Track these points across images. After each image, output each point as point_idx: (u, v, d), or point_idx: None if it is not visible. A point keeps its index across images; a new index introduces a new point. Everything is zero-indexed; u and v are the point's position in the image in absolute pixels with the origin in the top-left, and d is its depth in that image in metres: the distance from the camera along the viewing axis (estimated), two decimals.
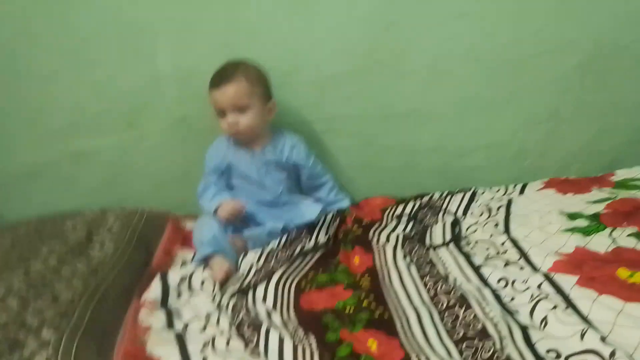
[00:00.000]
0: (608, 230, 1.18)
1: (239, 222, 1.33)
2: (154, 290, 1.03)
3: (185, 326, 0.95)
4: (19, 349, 0.76)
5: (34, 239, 1.12)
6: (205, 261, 1.16)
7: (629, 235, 1.14)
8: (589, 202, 1.34)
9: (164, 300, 1.02)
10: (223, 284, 1.10)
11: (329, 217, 1.34)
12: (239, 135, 1.35)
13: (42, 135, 1.50)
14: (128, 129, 1.51)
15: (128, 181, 1.56)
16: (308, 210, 1.35)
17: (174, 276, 1.07)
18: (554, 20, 1.46)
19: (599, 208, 1.29)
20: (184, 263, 1.20)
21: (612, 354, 0.78)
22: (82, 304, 0.90)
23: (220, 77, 1.29)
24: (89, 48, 1.43)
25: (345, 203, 1.46)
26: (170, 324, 0.96)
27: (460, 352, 0.85)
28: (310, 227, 1.32)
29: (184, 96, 1.48)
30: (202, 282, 1.07)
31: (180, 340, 0.90)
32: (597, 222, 1.23)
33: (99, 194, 1.55)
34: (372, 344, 0.87)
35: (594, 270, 1.02)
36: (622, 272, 1.00)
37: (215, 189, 1.37)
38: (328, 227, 1.31)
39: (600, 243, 1.13)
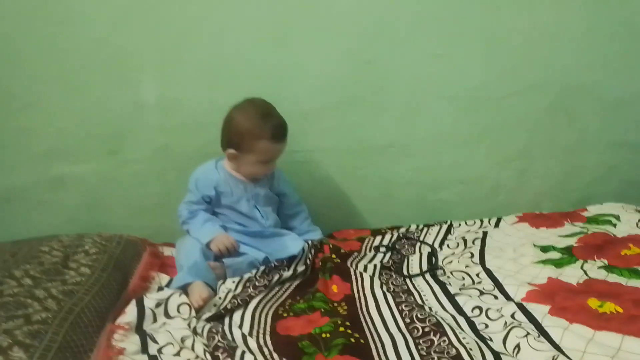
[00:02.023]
0: (580, 262, 1.21)
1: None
2: (129, 314, 1.01)
3: (160, 350, 0.94)
4: None
5: (8, 261, 1.10)
6: (184, 287, 1.15)
7: (599, 267, 1.18)
8: (561, 236, 1.39)
9: (139, 325, 1.01)
10: (200, 310, 1.10)
11: (306, 247, 1.35)
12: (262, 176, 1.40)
13: (22, 159, 1.50)
14: (109, 155, 1.52)
15: (107, 207, 1.56)
16: (292, 244, 1.36)
17: (149, 301, 1.06)
18: (523, 62, 1.55)
19: (571, 241, 1.33)
20: (160, 288, 1.19)
21: None
22: (56, 325, 0.88)
23: (284, 133, 1.33)
24: (74, 75, 1.45)
25: (317, 234, 1.48)
26: (144, 348, 0.95)
27: None
28: (289, 258, 1.32)
29: (166, 125, 1.51)
30: (179, 307, 1.06)
31: None
32: (569, 255, 1.26)
33: (77, 219, 1.54)
34: None
35: (565, 301, 1.05)
36: (593, 302, 1.03)
37: (205, 215, 1.37)
38: (306, 257, 1.31)
39: (572, 275, 1.16)
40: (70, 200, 1.54)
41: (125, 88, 1.47)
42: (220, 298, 1.13)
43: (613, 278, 1.13)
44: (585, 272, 1.17)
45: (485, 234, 1.46)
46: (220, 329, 0.96)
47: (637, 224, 1.39)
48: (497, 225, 1.54)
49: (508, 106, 1.59)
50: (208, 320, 1.03)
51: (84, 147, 1.51)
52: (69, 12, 1.40)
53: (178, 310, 1.05)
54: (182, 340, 0.95)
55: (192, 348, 0.93)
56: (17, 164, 1.50)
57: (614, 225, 1.41)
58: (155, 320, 1.04)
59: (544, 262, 1.24)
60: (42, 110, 1.47)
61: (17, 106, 1.46)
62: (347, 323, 1.01)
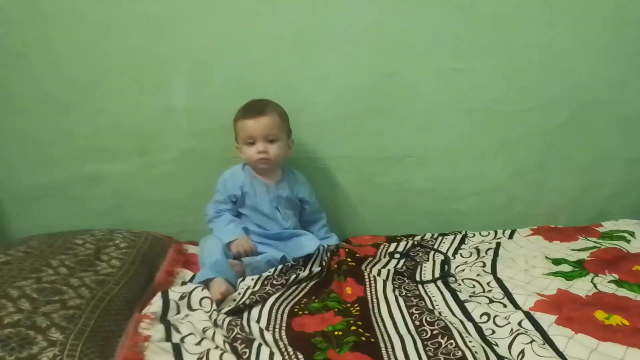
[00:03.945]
0: (590, 276, 1.24)
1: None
2: (155, 305, 1.08)
3: (182, 339, 1.00)
4: (28, 345, 0.82)
5: (45, 251, 1.18)
6: (206, 283, 1.21)
7: (609, 281, 1.20)
8: (574, 250, 1.41)
9: (164, 315, 1.08)
10: (219, 304, 1.16)
11: (322, 248, 1.40)
12: (264, 164, 1.44)
13: (57, 157, 1.57)
14: (139, 157, 1.59)
15: (135, 206, 1.63)
16: (308, 243, 1.41)
17: (174, 294, 1.13)
18: (541, 78, 1.58)
19: (584, 255, 1.35)
20: (184, 283, 1.26)
21: None
22: (89, 311, 0.96)
23: (255, 109, 1.42)
24: (110, 79, 1.52)
25: (333, 241, 1.53)
26: (168, 337, 1.01)
27: None
28: (305, 258, 1.37)
29: (194, 129, 1.57)
30: (201, 301, 1.12)
31: (177, 352, 0.95)
32: (580, 268, 1.28)
33: (107, 216, 1.60)
34: None
35: (572, 311, 1.07)
36: (600, 314, 1.05)
37: (229, 216, 1.45)
38: (322, 259, 1.37)
39: (582, 288, 1.18)
40: (102, 197, 1.61)
41: (158, 93, 1.54)
42: (239, 294, 1.19)
43: (622, 292, 1.15)
44: (594, 286, 1.19)
45: (498, 244, 1.49)
46: (239, 322, 1.01)
47: None
48: (511, 236, 1.57)
49: (526, 120, 1.61)
50: (228, 313, 1.09)
51: (117, 147, 1.58)
52: (107, 21, 1.47)
53: (200, 304, 1.12)
54: (204, 331, 1.01)
55: (213, 338, 0.99)
56: (55, 162, 1.58)
57: (628, 242, 1.43)
58: (178, 311, 1.11)
59: (555, 274, 1.27)
60: (79, 112, 1.54)
61: (56, 108, 1.54)
62: (359, 323, 1.06)
